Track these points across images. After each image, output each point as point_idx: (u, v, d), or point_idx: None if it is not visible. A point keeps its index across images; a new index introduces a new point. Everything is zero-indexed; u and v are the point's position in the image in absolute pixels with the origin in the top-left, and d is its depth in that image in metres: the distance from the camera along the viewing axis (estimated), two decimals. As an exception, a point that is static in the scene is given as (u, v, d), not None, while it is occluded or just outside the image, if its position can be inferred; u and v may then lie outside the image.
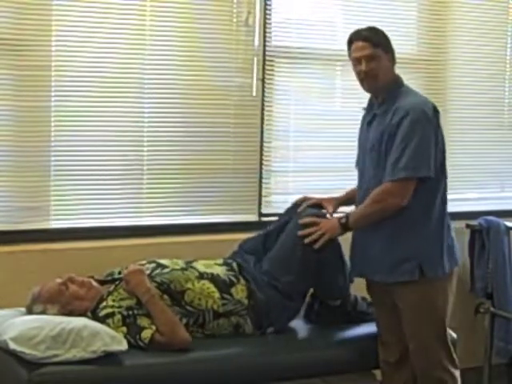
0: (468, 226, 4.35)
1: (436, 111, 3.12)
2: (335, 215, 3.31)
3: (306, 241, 3.16)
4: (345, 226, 3.13)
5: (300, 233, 3.19)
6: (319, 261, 3.20)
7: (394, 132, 3.04)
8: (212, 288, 3.15)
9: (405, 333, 3.17)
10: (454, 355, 3.20)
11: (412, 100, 3.10)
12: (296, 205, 3.40)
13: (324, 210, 3.35)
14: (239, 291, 3.19)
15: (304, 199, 3.40)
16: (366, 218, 3.11)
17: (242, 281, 3.21)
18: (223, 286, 3.17)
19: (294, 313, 3.30)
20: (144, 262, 3.24)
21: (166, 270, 3.17)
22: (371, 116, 3.19)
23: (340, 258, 3.30)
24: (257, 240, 3.43)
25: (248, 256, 3.36)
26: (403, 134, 3.01)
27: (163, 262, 3.23)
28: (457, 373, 3.20)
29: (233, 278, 3.21)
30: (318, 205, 3.37)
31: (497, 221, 4.36)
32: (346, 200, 3.40)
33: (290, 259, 3.22)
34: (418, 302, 3.10)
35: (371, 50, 3.11)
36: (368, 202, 3.08)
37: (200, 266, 3.23)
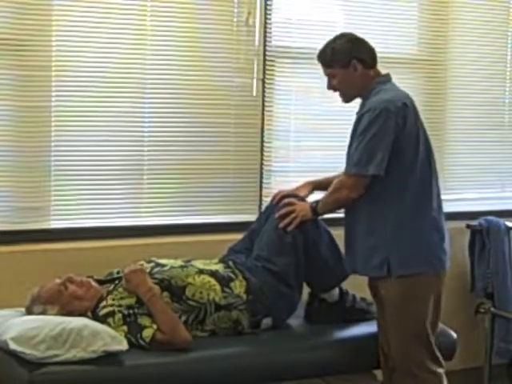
0: (468, 226, 4.34)
1: (407, 106, 3.08)
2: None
3: (280, 225, 3.26)
4: (314, 210, 3.25)
5: (277, 215, 3.29)
6: (307, 241, 3.27)
7: (356, 127, 3.13)
8: (213, 281, 3.16)
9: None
10: (438, 354, 3.18)
11: (379, 98, 3.10)
12: (273, 199, 3.46)
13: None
14: (238, 286, 3.20)
15: (279, 193, 3.46)
16: (327, 205, 3.23)
17: (240, 276, 3.23)
18: (223, 281, 3.19)
19: (291, 304, 3.30)
20: (142, 262, 3.25)
21: (166, 268, 3.18)
22: (357, 117, 3.21)
23: (329, 241, 3.36)
24: (244, 239, 3.48)
25: (239, 255, 3.39)
26: (360, 131, 3.09)
27: (161, 261, 3.24)
28: (441, 370, 3.18)
29: (231, 275, 3.23)
30: (292, 195, 3.42)
31: (497, 221, 4.36)
32: (322, 184, 3.43)
33: (280, 242, 3.27)
34: (397, 301, 3.11)
35: (326, 71, 3.22)
36: (329, 191, 3.21)
37: (198, 263, 3.25)
